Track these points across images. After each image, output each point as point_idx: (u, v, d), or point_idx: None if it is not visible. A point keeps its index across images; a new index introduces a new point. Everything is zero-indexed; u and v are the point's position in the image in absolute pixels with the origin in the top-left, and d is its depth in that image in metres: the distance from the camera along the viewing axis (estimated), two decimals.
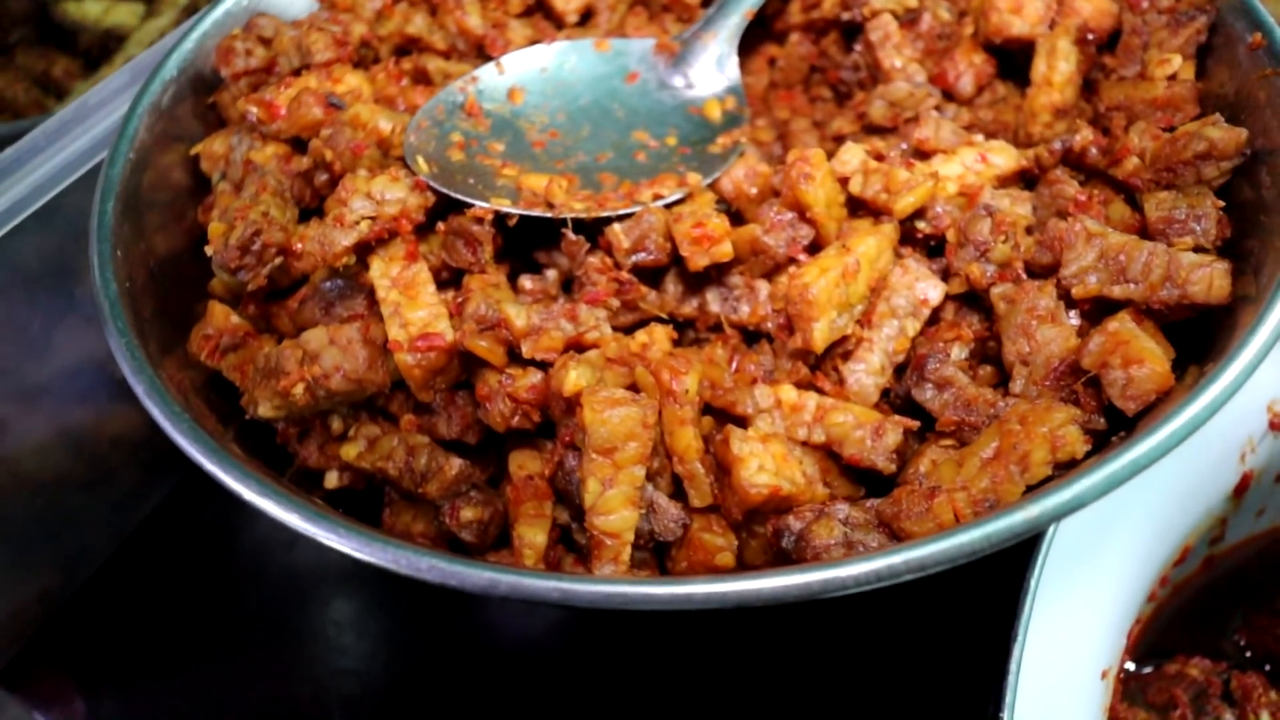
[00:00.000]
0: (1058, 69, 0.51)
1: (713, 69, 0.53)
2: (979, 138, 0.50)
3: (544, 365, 0.38)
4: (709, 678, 0.58)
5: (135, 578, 0.66)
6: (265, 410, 0.38)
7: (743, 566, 0.37)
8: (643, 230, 0.40)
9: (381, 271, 0.40)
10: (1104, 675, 0.45)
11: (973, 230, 0.41)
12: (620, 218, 0.42)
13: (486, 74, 0.49)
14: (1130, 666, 0.55)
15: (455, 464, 0.37)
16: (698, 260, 0.39)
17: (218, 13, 0.56)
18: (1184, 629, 0.58)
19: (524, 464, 0.37)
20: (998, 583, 0.42)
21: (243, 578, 0.66)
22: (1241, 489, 0.56)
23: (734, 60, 0.53)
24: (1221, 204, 0.41)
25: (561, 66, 0.50)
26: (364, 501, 0.43)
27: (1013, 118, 0.54)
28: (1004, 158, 0.48)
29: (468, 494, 0.37)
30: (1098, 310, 0.39)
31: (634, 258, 0.41)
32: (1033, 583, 0.41)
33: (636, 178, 0.45)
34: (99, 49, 0.90)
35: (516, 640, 0.63)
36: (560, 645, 0.62)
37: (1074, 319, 0.38)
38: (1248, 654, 0.58)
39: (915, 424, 0.37)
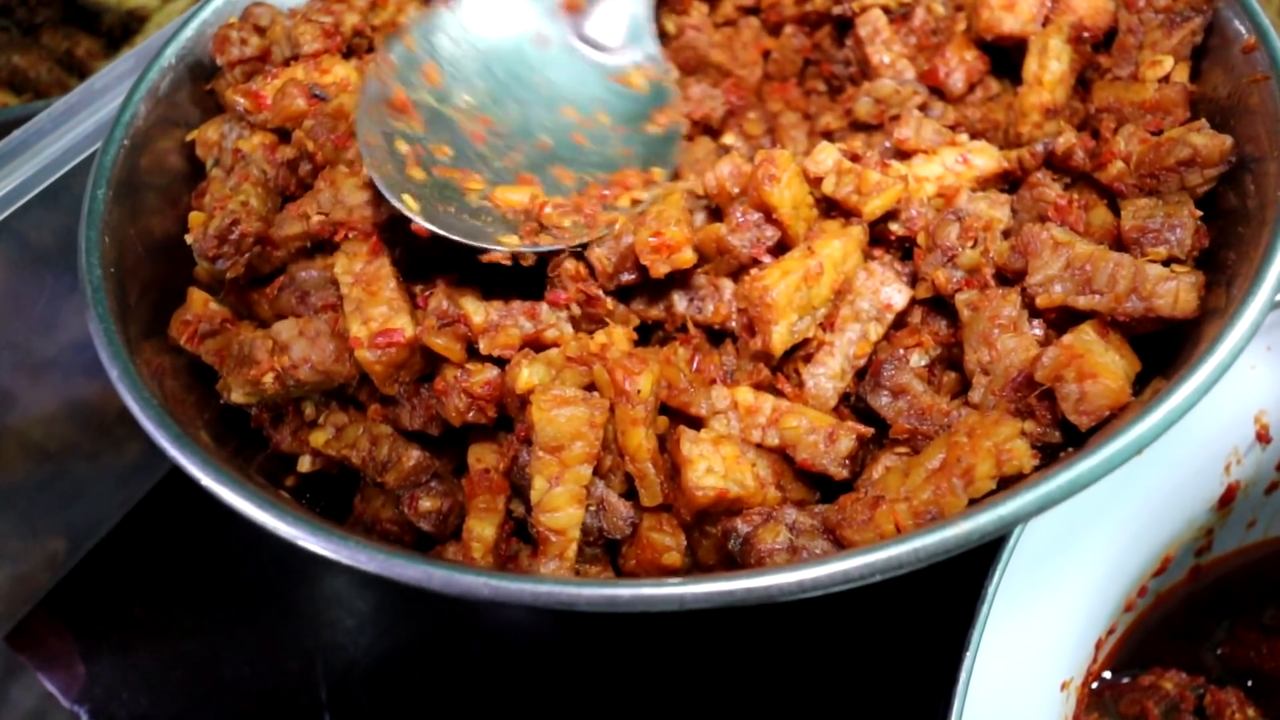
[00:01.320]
0: (1049, 68, 0.50)
1: (624, 28, 0.51)
2: (963, 137, 0.49)
3: (502, 362, 0.38)
4: (662, 677, 0.59)
5: (138, 547, 0.69)
6: (238, 396, 0.40)
7: (695, 566, 0.38)
8: (623, 251, 0.40)
9: (344, 268, 0.41)
10: (1064, 686, 0.45)
11: (941, 235, 0.40)
12: None
13: (398, 52, 0.47)
14: (1107, 675, 0.55)
15: (413, 455, 0.38)
16: (659, 268, 0.39)
17: (218, 0, 0.57)
18: (1166, 639, 0.57)
19: (481, 457, 0.38)
20: (960, 589, 0.42)
21: (240, 551, 0.68)
22: (1227, 500, 0.55)
23: (651, 23, 0.52)
24: (1199, 214, 0.40)
25: (467, 32, 0.48)
26: (338, 485, 0.45)
27: (1003, 116, 0.53)
28: (985, 159, 0.47)
29: (427, 484, 0.38)
30: (1064, 320, 0.38)
31: (618, 279, 0.41)
32: (990, 590, 0.41)
33: (592, 171, 0.45)
34: (121, 29, 0.92)
35: (500, 621, 0.64)
36: (542, 628, 0.64)
37: (1039, 329, 0.38)
38: (1229, 667, 0.57)
39: (869, 431, 0.37)
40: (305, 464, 0.42)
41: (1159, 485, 0.49)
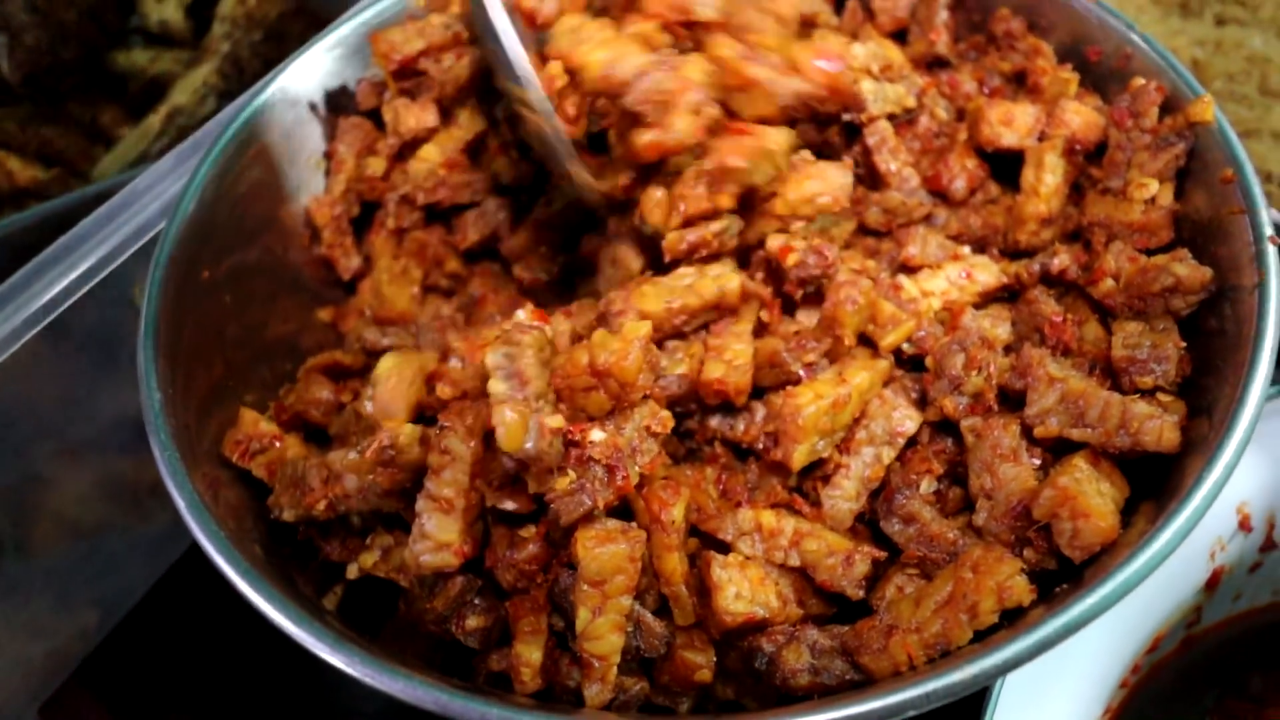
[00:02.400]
0: (1044, 181, 0.54)
1: None
2: (965, 250, 0.53)
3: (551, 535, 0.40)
4: None
5: (167, 616, 0.71)
6: (289, 515, 0.43)
7: (723, 675, 0.41)
8: (686, 390, 0.43)
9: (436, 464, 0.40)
10: None
11: (947, 364, 0.43)
12: None
13: None
14: None
15: (458, 582, 0.40)
16: (712, 402, 0.42)
17: (249, 110, 0.60)
18: (1159, 708, 0.60)
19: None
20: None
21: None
22: (1213, 583, 0.58)
23: None
24: (1183, 345, 0.44)
25: None
26: (386, 587, 0.47)
27: (1002, 220, 0.56)
28: (987, 274, 0.51)
29: (471, 603, 0.41)
30: (1061, 446, 0.42)
31: (675, 408, 0.44)
32: (996, 689, 0.44)
33: None
34: (144, 96, 0.94)
35: None
36: None
37: (1036, 459, 0.41)
38: None
39: (883, 555, 0.40)
40: (353, 571, 0.45)
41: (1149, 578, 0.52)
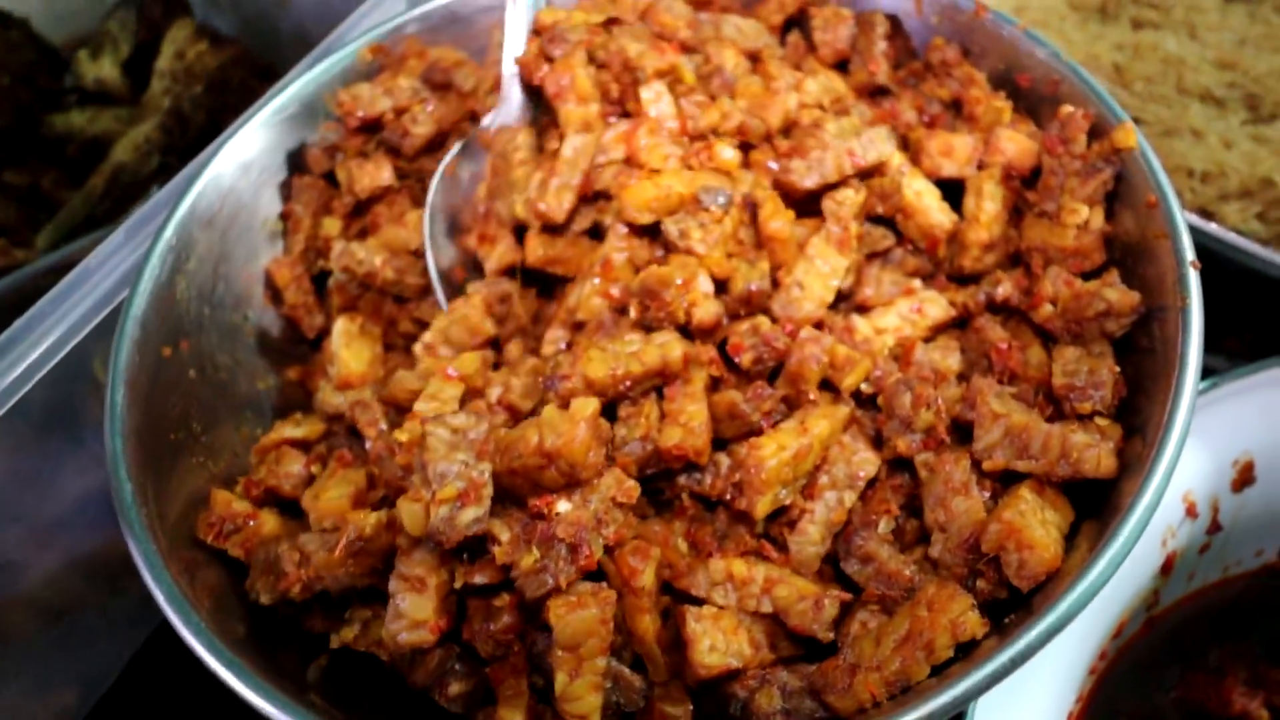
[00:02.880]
0: (984, 209, 0.56)
1: None
2: (917, 283, 0.55)
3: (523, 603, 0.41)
4: None
5: (149, 689, 0.70)
6: (266, 599, 0.43)
7: (699, 717, 0.42)
8: (648, 455, 0.45)
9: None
10: None
11: (896, 404, 0.45)
12: None
13: None
14: None
15: (436, 655, 0.41)
16: (675, 466, 0.44)
17: (205, 179, 0.60)
18: (1126, 690, 0.63)
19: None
20: None
21: None
22: (1168, 567, 0.61)
23: None
24: (1117, 370, 0.46)
25: None
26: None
27: (945, 250, 0.58)
28: (936, 308, 0.53)
29: (452, 669, 0.42)
30: (1007, 476, 0.44)
31: (644, 472, 0.46)
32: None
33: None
34: (84, 157, 0.93)
35: None
36: None
37: (986, 492, 0.43)
38: (1182, 710, 0.63)
39: (849, 597, 0.42)
40: (335, 642, 0.46)
41: None
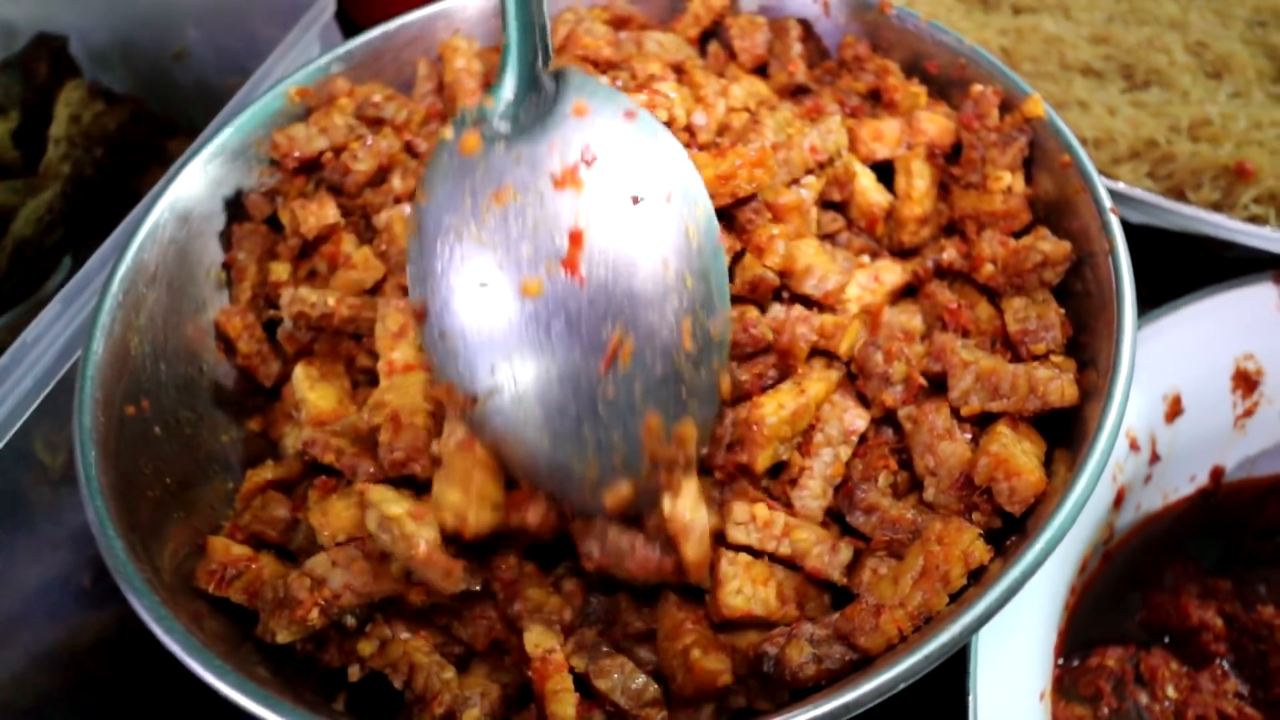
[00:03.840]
0: (915, 185, 0.60)
1: None
2: (865, 258, 0.58)
3: None
4: None
5: None
6: (284, 637, 0.42)
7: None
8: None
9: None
10: (1042, 697, 0.54)
11: (870, 365, 0.48)
12: None
13: None
14: (1059, 663, 0.65)
15: (452, 687, 0.41)
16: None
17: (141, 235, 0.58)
18: (1096, 619, 0.68)
19: (540, 642, 0.42)
20: None
21: None
22: (1119, 501, 0.66)
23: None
24: (1063, 311, 0.50)
25: None
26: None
27: (883, 227, 0.62)
28: (892, 274, 0.56)
29: (468, 700, 0.41)
30: (983, 418, 0.47)
31: None
32: (972, 645, 0.49)
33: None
34: None
35: None
36: None
37: (967, 434, 0.47)
38: (1149, 629, 0.68)
39: (863, 544, 0.44)
40: (355, 673, 0.45)
41: None
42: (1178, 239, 0.71)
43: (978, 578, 0.41)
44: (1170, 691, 0.59)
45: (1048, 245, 0.52)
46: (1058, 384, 0.45)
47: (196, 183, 0.63)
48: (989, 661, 0.49)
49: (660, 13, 0.77)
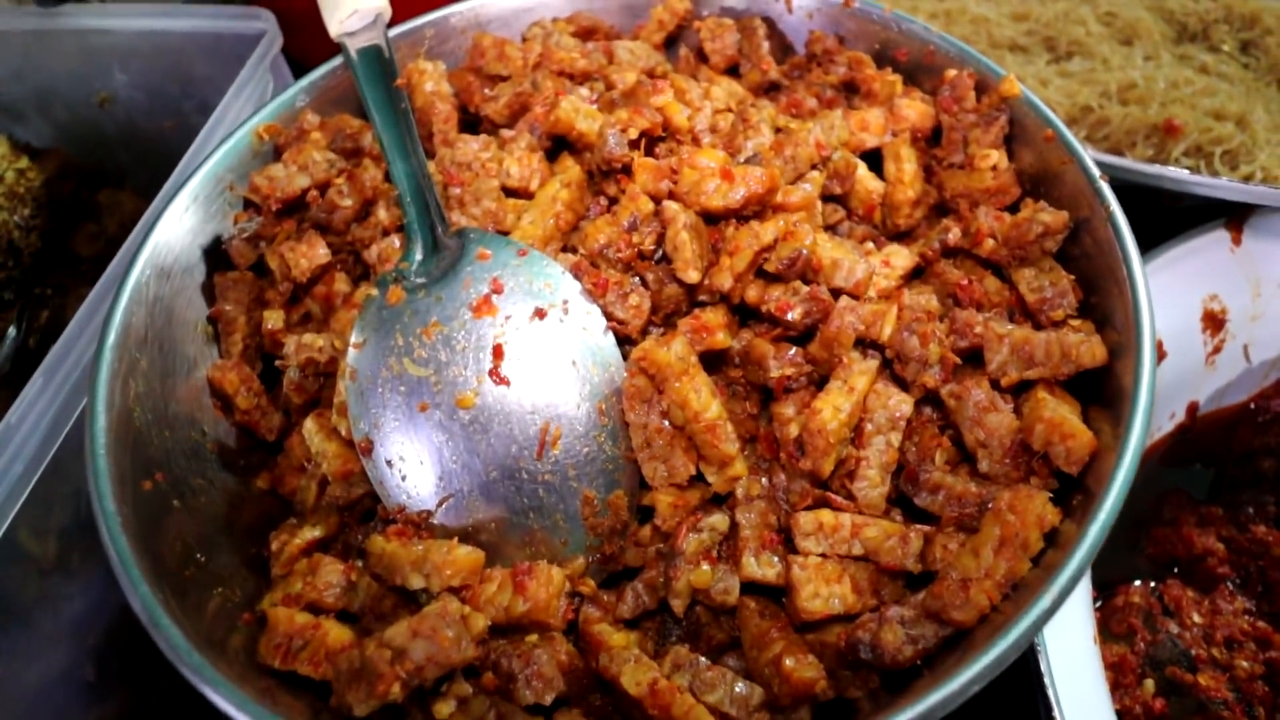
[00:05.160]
0: (905, 170, 0.62)
1: None
2: (869, 245, 0.60)
3: None
4: None
5: None
6: (361, 710, 0.39)
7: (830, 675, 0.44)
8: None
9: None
10: (1094, 641, 0.56)
11: (906, 349, 0.50)
12: None
13: None
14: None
15: None
16: None
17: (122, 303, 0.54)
18: (1109, 557, 0.71)
19: (638, 678, 0.41)
20: None
21: None
22: None
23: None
24: (1072, 277, 0.53)
25: None
26: None
27: (879, 213, 0.64)
28: (900, 258, 0.58)
29: None
30: (1019, 386, 0.49)
31: None
32: None
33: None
34: None
35: None
36: None
37: (1008, 403, 0.48)
38: (1157, 562, 0.72)
39: (931, 529, 0.46)
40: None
41: None
42: (1131, 196, 0.76)
43: (1053, 540, 0.43)
44: (1195, 617, 0.63)
45: (1047, 216, 0.54)
46: (1088, 346, 0.48)
47: (173, 235, 0.59)
48: (1056, 632, 0.51)
49: (621, 20, 0.77)
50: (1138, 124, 0.88)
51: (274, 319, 0.59)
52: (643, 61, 0.71)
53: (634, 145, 0.58)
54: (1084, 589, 0.57)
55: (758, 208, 0.54)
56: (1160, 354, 0.69)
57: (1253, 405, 0.77)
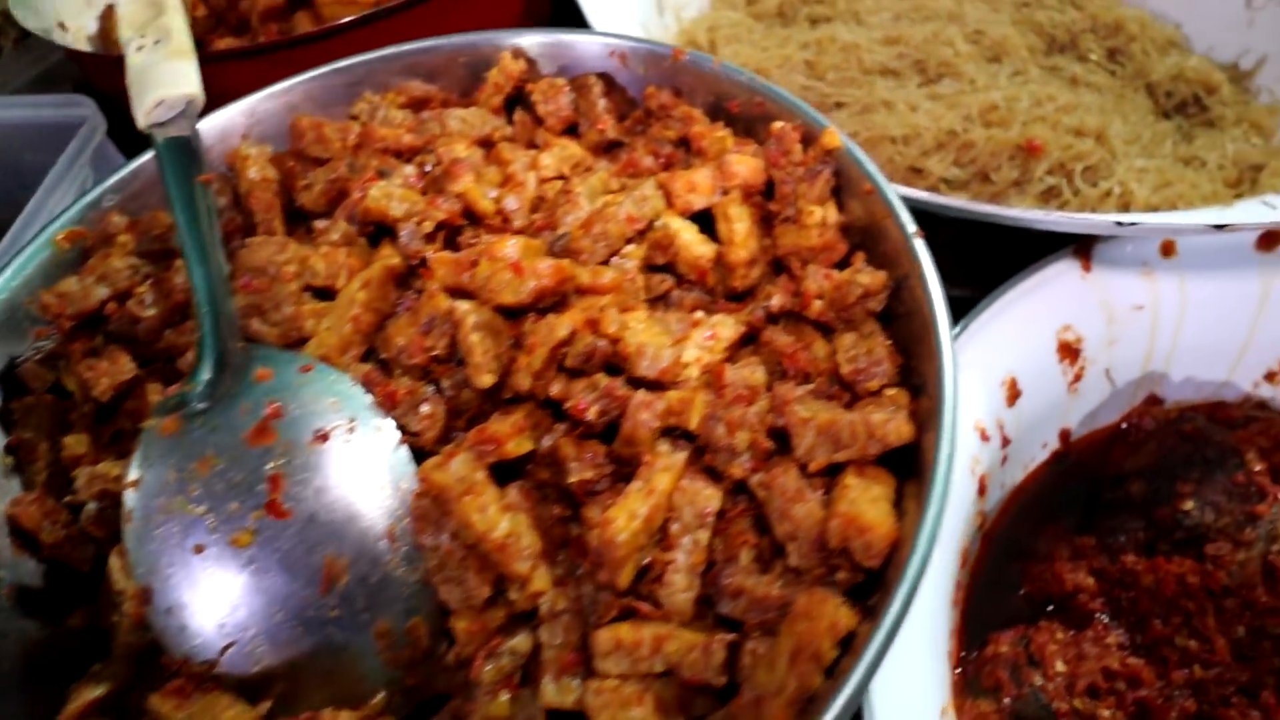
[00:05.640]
0: (735, 230, 0.60)
1: None
2: (700, 314, 0.58)
3: None
4: None
5: None
6: None
7: None
8: None
9: None
10: (944, 712, 0.55)
11: (715, 437, 0.48)
12: None
13: None
14: (961, 655, 0.67)
15: None
16: None
17: None
18: (989, 602, 0.70)
19: None
20: None
21: None
22: (982, 490, 0.69)
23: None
24: (889, 343, 0.52)
25: None
26: None
27: (715, 276, 0.62)
28: (727, 329, 0.56)
29: None
30: (832, 468, 0.48)
31: None
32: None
33: None
34: None
35: None
36: None
37: (819, 490, 0.47)
38: (1033, 601, 0.71)
39: (735, 636, 0.44)
40: None
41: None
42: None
43: (850, 645, 0.41)
44: (1059, 666, 0.62)
45: (865, 277, 0.53)
46: (894, 424, 0.46)
47: None
48: (883, 703, 0.49)
49: (462, 84, 0.75)
50: (1001, 146, 0.88)
51: (76, 444, 0.56)
52: (477, 130, 0.69)
53: (430, 239, 0.55)
54: (931, 656, 0.56)
55: (555, 299, 0.52)
56: (1014, 392, 0.68)
57: (1124, 425, 0.77)
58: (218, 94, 0.68)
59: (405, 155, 0.66)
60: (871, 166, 0.58)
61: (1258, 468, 0.66)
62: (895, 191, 0.56)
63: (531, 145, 0.70)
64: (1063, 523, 0.73)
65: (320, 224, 0.61)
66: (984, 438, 0.67)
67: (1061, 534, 0.72)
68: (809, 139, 0.62)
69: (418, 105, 0.72)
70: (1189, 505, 0.67)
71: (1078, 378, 0.72)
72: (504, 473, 0.49)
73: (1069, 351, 0.71)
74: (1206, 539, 0.65)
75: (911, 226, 0.54)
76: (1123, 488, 0.74)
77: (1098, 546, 0.70)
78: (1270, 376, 0.76)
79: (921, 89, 0.97)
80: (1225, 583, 0.63)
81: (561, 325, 0.49)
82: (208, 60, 0.68)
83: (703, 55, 0.68)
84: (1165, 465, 0.72)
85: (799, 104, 0.63)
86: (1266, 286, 0.72)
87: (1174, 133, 0.96)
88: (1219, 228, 0.63)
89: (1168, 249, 0.71)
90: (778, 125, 0.62)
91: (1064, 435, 0.76)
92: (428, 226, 0.55)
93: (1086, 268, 0.71)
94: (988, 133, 0.88)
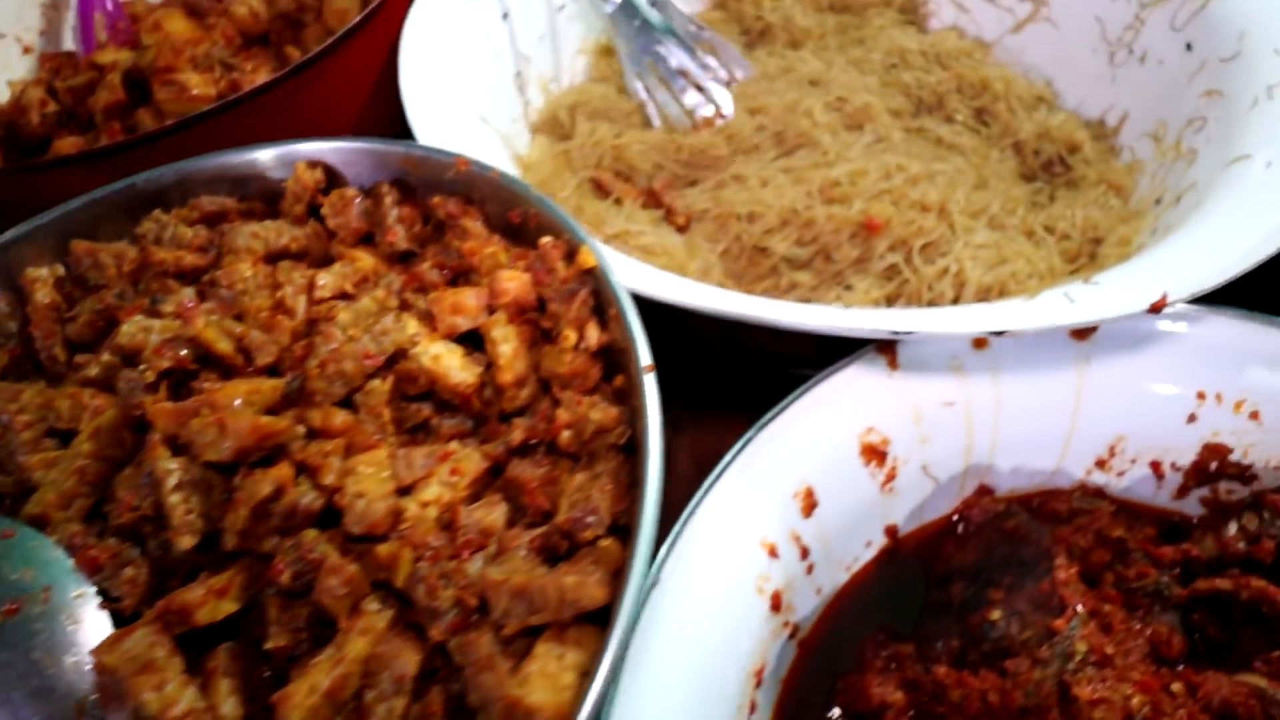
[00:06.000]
0: (502, 352, 0.59)
1: None
2: (454, 444, 0.56)
3: None
4: None
5: None
6: None
7: None
8: None
9: None
10: None
11: (417, 597, 0.46)
12: None
13: None
14: None
15: None
16: None
17: None
18: (803, 717, 0.67)
19: None
20: None
21: None
22: (777, 606, 0.66)
23: None
24: (609, 488, 0.50)
25: None
26: None
27: (480, 400, 0.60)
28: (470, 463, 0.55)
29: None
30: (532, 630, 0.46)
31: None
32: None
33: None
34: None
35: None
36: None
37: (513, 659, 0.45)
38: (848, 714, 0.67)
39: None
40: None
41: (708, 642, 0.58)
42: None
43: None
44: None
45: (598, 414, 0.52)
46: (587, 588, 0.45)
47: None
48: None
49: (270, 193, 0.74)
50: (842, 224, 0.86)
51: None
52: (271, 243, 0.68)
53: (153, 388, 0.54)
54: None
55: (265, 453, 0.50)
56: (810, 501, 0.66)
57: (955, 517, 0.75)
58: (56, 200, 0.68)
59: (188, 277, 0.66)
60: (621, 291, 0.57)
61: (1062, 576, 0.63)
62: (636, 313, 0.55)
63: (325, 257, 0.69)
64: (890, 626, 0.71)
65: (81, 358, 0.60)
66: (773, 554, 0.64)
67: (884, 640, 0.69)
68: (573, 255, 0.61)
69: (214, 219, 0.71)
70: (996, 615, 0.65)
71: (890, 477, 0.70)
72: (221, 631, 0.48)
73: (874, 453, 0.68)
74: (1010, 653, 0.63)
75: (645, 359, 0.53)
76: (946, 589, 0.71)
77: (915, 654, 0.67)
78: (1101, 464, 0.73)
79: (776, 161, 0.95)
80: (1021, 703, 0.60)
81: (266, 482, 0.48)
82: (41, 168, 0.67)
83: (484, 164, 0.67)
84: (984, 565, 0.69)
85: (566, 218, 0.62)
86: (1081, 377, 0.70)
87: (1031, 197, 0.94)
88: (998, 334, 0.61)
89: (980, 342, 0.69)
90: (545, 240, 0.61)
91: (891, 531, 0.73)
92: (150, 376, 0.54)
93: (893, 365, 0.69)
94: (828, 210, 0.87)
